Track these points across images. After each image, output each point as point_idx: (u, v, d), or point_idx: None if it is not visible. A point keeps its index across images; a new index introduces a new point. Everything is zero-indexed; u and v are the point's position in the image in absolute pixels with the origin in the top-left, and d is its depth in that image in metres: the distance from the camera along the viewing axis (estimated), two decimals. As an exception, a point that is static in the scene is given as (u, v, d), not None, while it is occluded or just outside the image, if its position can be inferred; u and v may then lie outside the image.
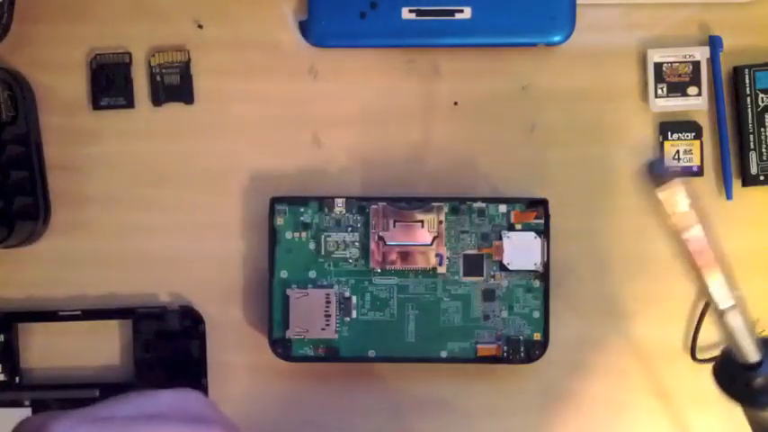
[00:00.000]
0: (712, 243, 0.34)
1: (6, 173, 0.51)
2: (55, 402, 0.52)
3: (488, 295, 0.51)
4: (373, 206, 0.51)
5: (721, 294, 0.34)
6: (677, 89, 0.52)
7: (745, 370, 0.34)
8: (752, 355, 0.34)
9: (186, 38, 0.54)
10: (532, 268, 0.51)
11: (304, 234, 0.52)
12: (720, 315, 0.34)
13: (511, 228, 0.51)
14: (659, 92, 0.52)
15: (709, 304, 0.52)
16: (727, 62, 0.53)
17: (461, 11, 0.52)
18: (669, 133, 0.53)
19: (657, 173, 0.33)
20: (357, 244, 0.51)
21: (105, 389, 0.52)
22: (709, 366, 0.51)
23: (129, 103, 0.53)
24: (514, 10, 0.52)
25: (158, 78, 0.53)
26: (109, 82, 0.53)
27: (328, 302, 0.51)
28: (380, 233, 0.51)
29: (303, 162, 0.53)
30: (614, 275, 0.53)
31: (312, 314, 0.51)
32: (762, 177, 0.52)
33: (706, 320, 0.52)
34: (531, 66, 0.53)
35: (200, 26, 0.54)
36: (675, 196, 0.33)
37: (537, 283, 0.51)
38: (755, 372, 0.33)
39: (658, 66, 0.52)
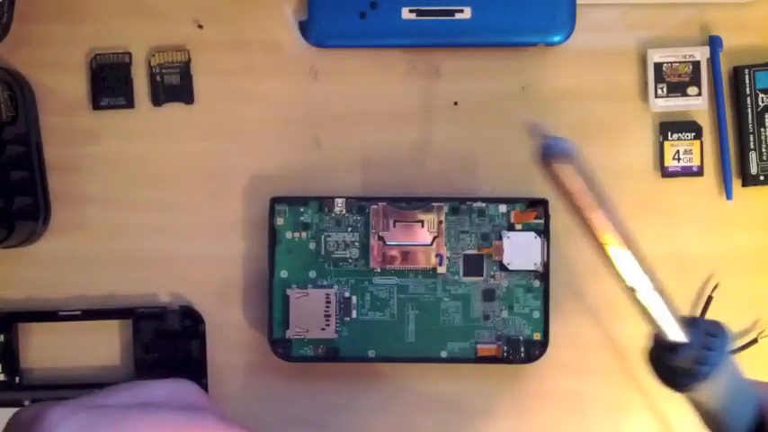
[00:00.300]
0: (616, 220, 0.32)
1: (6, 173, 0.51)
2: (55, 402, 0.52)
3: (488, 295, 0.51)
4: (373, 206, 0.51)
5: (631, 272, 0.32)
6: (677, 89, 0.52)
7: (669, 351, 0.32)
8: (674, 334, 0.32)
9: (186, 38, 0.54)
10: (532, 268, 0.51)
11: (304, 234, 0.52)
12: (633, 294, 0.32)
13: (511, 228, 0.51)
14: (659, 92, 0.52)
15: (708, 304, 0.52)
16: (727, 62, 0.53)
17: (461, 11, 0.52)
18: (669, 133, 0.53)
19: (550, 154, 0.31)
20: (357, 244, 0.51)
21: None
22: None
23: (129, 103, 0.53)
24: (514, 10, 0.52)
25: (158, 78, 0.53)
26: (109, 82, 0.53)
27: (328, 302, 0.51)
28: (380, 233, 0.51)
29: (303, 162, 0.53)
30: (614, 275, 0.53)
31: (312, 314, 0.51)
32: (762, 177, 0.52)
33: (706, 320, 0.52)
34: (531, 66, 0.53)
35: (200, 26, 0.54)
36: (571, 173, 0.32)
37: (537, 283, 0.51)
38: (677, 352, 0.32)
39: (658, 66, 0.52)
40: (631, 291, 0.32)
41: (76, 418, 0.31)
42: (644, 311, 0.32)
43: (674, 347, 0.32)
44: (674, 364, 0.32)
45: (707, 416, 0.33)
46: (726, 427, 0.33)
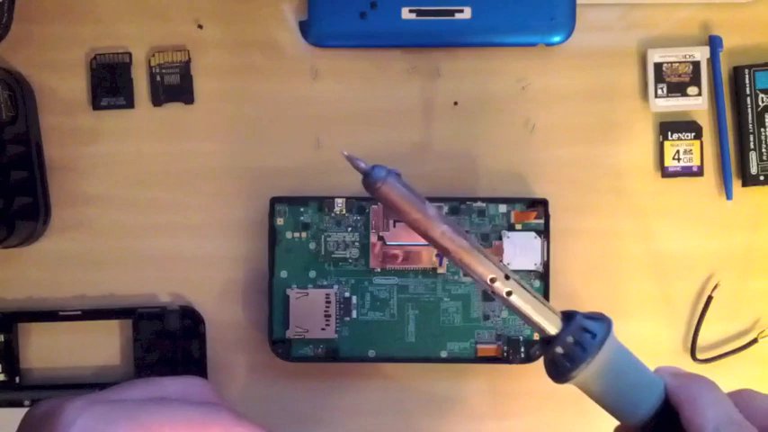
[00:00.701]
0: (451, 224, 0.33)
1: (6, 173, 0.51)
2: (55, 402, 0.52)
3: (488, 295, 0.51)
4: (373, 206, 0.51)
5: (489, 270, 0.32)
6: (677, 89, 0.52)
7: (547, 344, 0.33)
8: (550, 328, 0.33)
9: (186, 38, 0.54)
10: (532, 268, 0.51)
11: (304, 234, 0.52)
12: (495, 293, 0.33)
13: (511, 228, 0.51)
14: (659, 92, 0.52)
15: (708, 304, 0.52)
16: (727, 62, 0.53)
17: (461, 11, 0.52)
18: (669, 133, 0.53)
19: (370, 181, 0.33)
20: (357, 244, 0.51)
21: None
22: (710, 366, 0.52)
23: (129, 103, 0.53)
24: (514, 10, 0.52)
25: (158, 78, 0.53)
26: (109, 82, 0.53)
27: (328, 302, 0.51)
28: (380, 233, 0.51)
29: (303, 162, 0.53)
30: (614, 275, 0.53)
31: (312, 314, 0.51)
32: (762, 177, 0.52)
33: (706, 320, 0.52)
34: (531, 66, 0.53)
35: (200, 26, 0.54)
36: (394, 191, 0.32)
37: (537, 283, 0.51)
38: (553, 343, 0.32)
39: (658, 66, 0.52)
40: (495, 293, 0.33)
41: (94, 412, 0.31)
42: (514, 309, 0.33)
43: (551, 340, 0.33)
44: (550, 356, 0.33)
45: (600, 403, 0.34)
46: (621, 413, 0.33)
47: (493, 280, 0.33)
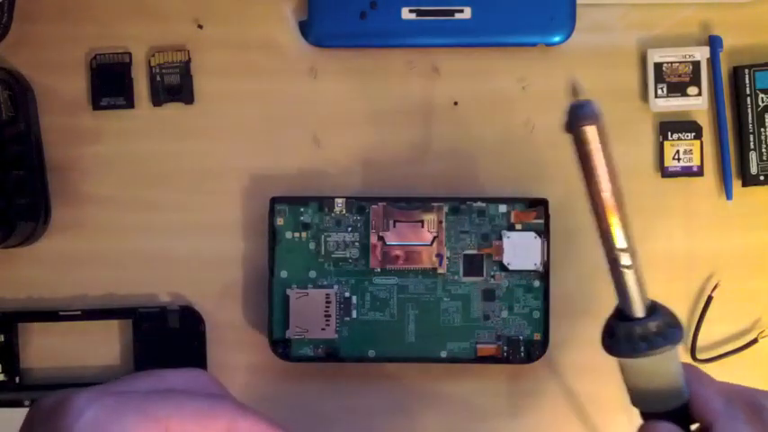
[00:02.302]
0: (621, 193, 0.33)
1: (6, 173, 0.51)
2: (55, 402, 0.52)
3: (488, 295, 0.51)
4: (373, 206, 0.51)
5: (624, 241, 0.34)
6: (677, 89, 0.52)
7: (628, 322, 0.35)
8: (639, 310, 0.34)
9: (186, 38, 0.54)
10: (532, 268, 0.51)
11: (304, 234, 0.52)
12: (616, 261, 0.34)
13: (511, 228, 0.51)
14: (659, 92, 0.52)
15: (708, 304, 0.52)
16: (727, 62, 0.53)
17: (461, 11, 0.52)
18: (669, 133, 0.53)
19: (578, 115, 0.33)
20: (357, 244, 0.51)
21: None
22: (710, 366, 0.52)
23: (129, 103, 0.53)
24: (514, 10, 0.52)
25: (158, 78, 0.53)
26: (109, 82, 0.53)
27: (328, 302, 0.51)
28: (380, 233, 0.51)
29: (303, 162, 0.53)
30: (614, 275, 0.53)
31: (312, 314, 0.51)
32: (762, 177, 0.52)
33: (706, 320, 0.52)
34: (531, 66, 0.53)
35: (200, 26, 0.54)
36: (594, 134, 0.33)
37: (537, 283, 0.51)
38: (637, 323, 0.34)
39: (658, 66, 0.52)
40: (615, 262, 0.34)
41: (102, 404, 0.31)
42: (620, 282, 0.34)
43: (635, 320, 0.35)
44: (625, 330, 0.35)
45: (637, 388, 0.36)
46: (651, 402, 0.36)
47: (622, 250, 0.34)
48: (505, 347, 0.51)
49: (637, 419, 0.53)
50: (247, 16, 0.54)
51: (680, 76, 0.52)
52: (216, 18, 0.54)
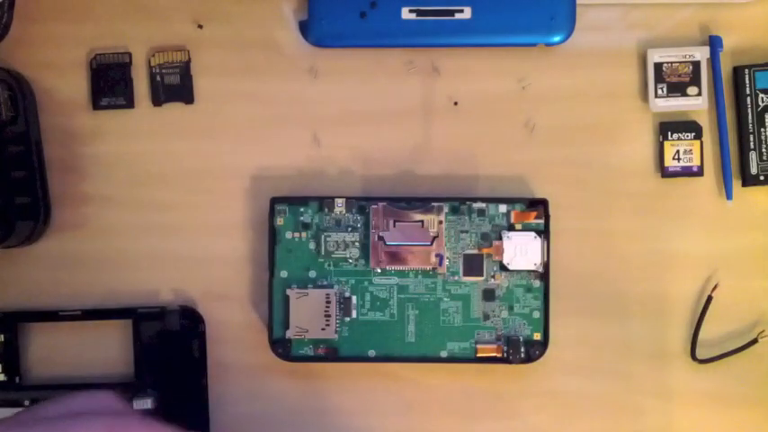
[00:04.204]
0: None
1: (6, 173, 0.51)
2: (55, 402, 0.52)
3: (488, 295, 0.51)
4: (373, 206, 0.51)
5: None
6: (677, 89, 0.52)
7: None
8: None
9: (186, 38, 0.54)
10: (532, 268, 0.51)
11: (304, 234, 0.52)
12: None
13: (511, 228, 0.51)
14: (659, 92, 0.52)
15: (708, 304, 0.52)
16: (727, 62, 0.53)
17: (461, 11, 0.52)
18: (669, 133, 0.53)
19: None
20: (357, 244, 0.51)
21: (105, 389, 0.52)
22: (710, 366, 0.52)
23: (129, 103, 0.53)
24: (514, 10, 0.52)
25: (158, 78, 0.53)
26: (109, 82, 0.53)
27: (328, 302, 0.51)
28: (380, 233, 0.51)
29: (303, 162, 0.53)
30: (614, 275, 0.53)
31: (312, 314, 0.51)
32: (762, 177, 0.52)
33: (706, 320, 0.52)
34: (531, 66, 0.53)
35: (200, 26, 0.54)
36: None
37: (537, 283, 0.51)
38: None
39: (658, 66, 0.52)
40: None
41: None
42: None
43: None
44: None
45: None
46: None
47: None
48: (505, 347, 0.51)
49: (637, 419, 0.53)
50: (247, 16, 0.54)
51: (680, 76, 0.52)
52: (216, 18, 0.54)
